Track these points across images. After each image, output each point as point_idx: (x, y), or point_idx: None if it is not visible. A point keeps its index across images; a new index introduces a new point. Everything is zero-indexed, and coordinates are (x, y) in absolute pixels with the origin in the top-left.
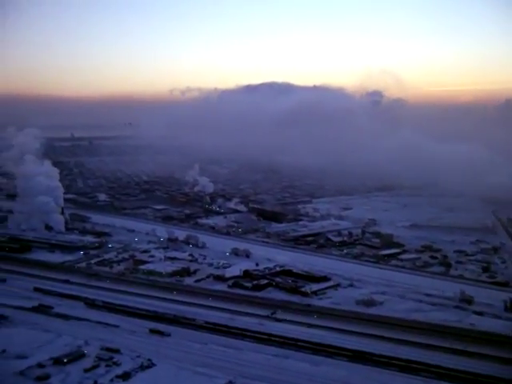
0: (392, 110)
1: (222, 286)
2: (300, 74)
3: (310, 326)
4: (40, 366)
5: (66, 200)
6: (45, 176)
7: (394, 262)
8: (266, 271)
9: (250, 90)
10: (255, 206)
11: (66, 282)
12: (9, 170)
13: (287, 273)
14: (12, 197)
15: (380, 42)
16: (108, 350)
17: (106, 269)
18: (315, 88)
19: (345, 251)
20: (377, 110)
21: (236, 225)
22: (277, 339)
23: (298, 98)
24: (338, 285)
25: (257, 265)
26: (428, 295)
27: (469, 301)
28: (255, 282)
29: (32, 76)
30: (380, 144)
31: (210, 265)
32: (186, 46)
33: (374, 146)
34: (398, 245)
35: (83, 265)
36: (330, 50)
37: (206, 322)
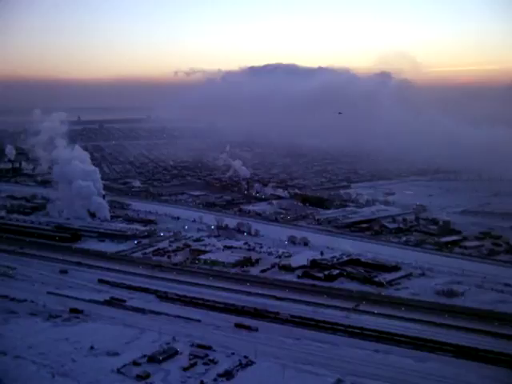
0: (402, 91)
1: (290, 277)
2: (301, 56)
3: (400, 318)
4: (136, 363)
5: None
6: (79, 160)
7: (457, 249)
8: (334, 260)
9: (254, 71)
10: (297, 191)
11: (130, 273)
12: (36, 155)
13: (356, 262)
14: (44, 183)
15: (373, 22)
16: (200, 346)
17: (164, 259)
18: (321, 69)
19: (403, 238)
20: (387, 91)
21: (283, 211)
22: (371, 333)
23: (310, 79)
24: (410, 274)
25: (321, 254)
26: (507, 285)
27: None
28: (326, 272)
29: (32, 59)
30: (403, 127)
31: (270, 254)
32: (188, 27)
33: (397, 129)
34: (456, 231)
35: (139, 254)
36: (328, 31)
37: (292, 316)
